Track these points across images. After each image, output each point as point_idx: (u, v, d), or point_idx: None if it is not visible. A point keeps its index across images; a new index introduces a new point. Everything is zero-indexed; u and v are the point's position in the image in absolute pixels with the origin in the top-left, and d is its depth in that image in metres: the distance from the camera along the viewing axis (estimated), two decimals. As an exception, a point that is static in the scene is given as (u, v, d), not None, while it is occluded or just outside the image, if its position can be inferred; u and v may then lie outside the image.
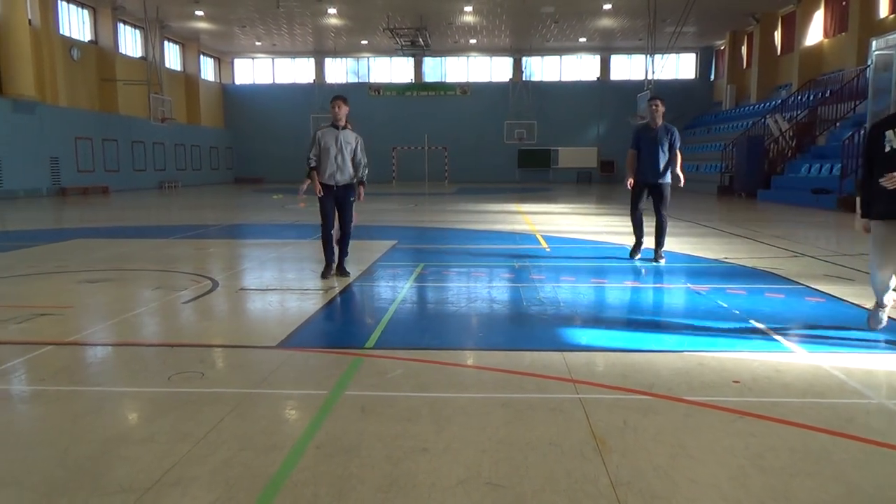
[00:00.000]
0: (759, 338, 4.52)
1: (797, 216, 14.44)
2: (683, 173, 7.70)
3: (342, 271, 6.90)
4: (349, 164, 6.72)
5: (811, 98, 23.30)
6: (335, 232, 6.85)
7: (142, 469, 2.60)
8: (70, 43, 26.45)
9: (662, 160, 7.52)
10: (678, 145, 7.60)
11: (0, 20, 21.94)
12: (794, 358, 4.01)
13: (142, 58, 30.98)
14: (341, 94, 6.90)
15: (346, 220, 6.89)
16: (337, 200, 6.79)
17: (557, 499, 2.38)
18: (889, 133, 4.15)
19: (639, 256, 7.90)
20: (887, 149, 4.15)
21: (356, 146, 6.74)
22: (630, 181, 7.80)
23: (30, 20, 23.04)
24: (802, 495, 2.39)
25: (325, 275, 6.76)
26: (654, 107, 7.59)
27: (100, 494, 2.41)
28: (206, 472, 2.57)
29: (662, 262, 7.58)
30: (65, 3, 26.26)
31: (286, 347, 4.30)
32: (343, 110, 6.61)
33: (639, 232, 7.94)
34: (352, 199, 6.86)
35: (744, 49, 32.91)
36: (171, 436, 2.91)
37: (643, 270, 7.30)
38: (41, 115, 23.56)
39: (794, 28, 27.63)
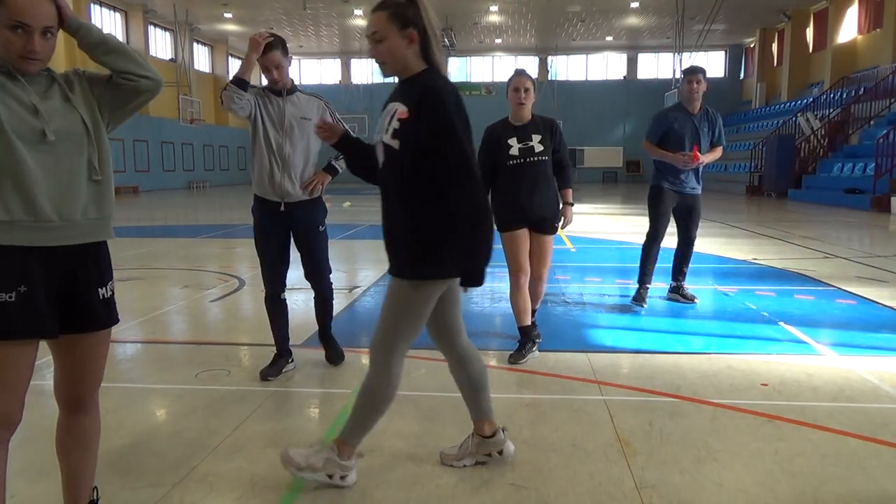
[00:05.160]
0: (788, 340, 4.43)
1: (829, 216, 14.15)
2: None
3: (332, 350, 3.95)
4: (310, 159, 3.62)
5: (844, 96, 22.80)
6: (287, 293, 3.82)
7: (169, 464, 2.64)
8: (102, 46, 26.97)
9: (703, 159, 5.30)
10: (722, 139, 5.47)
11: (35, 24, 22.48)
12: (824, 361, 3.93)
13: (171, 60, 31.47)
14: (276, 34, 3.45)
15: (320, 269, 3.76)
16: (293, 231, 3.64)
17: (581, 501, 2.36)
18: None
19: (646, 305, 5.46)
20: None
21: (318, 120, 3.20)
22: (686, 153, 5.19)
23: (64, 24, 23.56)
24: (833, 501, 2.34)
25: (266, 374, 3.62)
26: (695, 83, 5.24)
27: (129, 488, 2.46)
28: (232, 469, 2.60)
29: (697, 300, 5.58)
30: (97, 7, 26.80)
31: (310, 346, 4.33)
32: (285, 63, 3.45)
33: (650, 272, 5.51)
34: (321, 227, 3.70)
35: (774, 46, 32.34)
36: (198, 432, 2.95)
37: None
38: (74, 117, 24.05)
39: (826, 24, 27.08)
